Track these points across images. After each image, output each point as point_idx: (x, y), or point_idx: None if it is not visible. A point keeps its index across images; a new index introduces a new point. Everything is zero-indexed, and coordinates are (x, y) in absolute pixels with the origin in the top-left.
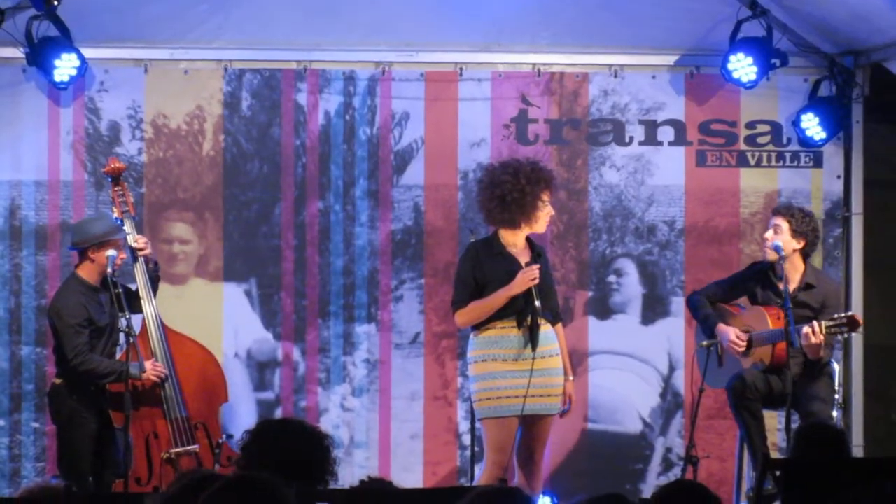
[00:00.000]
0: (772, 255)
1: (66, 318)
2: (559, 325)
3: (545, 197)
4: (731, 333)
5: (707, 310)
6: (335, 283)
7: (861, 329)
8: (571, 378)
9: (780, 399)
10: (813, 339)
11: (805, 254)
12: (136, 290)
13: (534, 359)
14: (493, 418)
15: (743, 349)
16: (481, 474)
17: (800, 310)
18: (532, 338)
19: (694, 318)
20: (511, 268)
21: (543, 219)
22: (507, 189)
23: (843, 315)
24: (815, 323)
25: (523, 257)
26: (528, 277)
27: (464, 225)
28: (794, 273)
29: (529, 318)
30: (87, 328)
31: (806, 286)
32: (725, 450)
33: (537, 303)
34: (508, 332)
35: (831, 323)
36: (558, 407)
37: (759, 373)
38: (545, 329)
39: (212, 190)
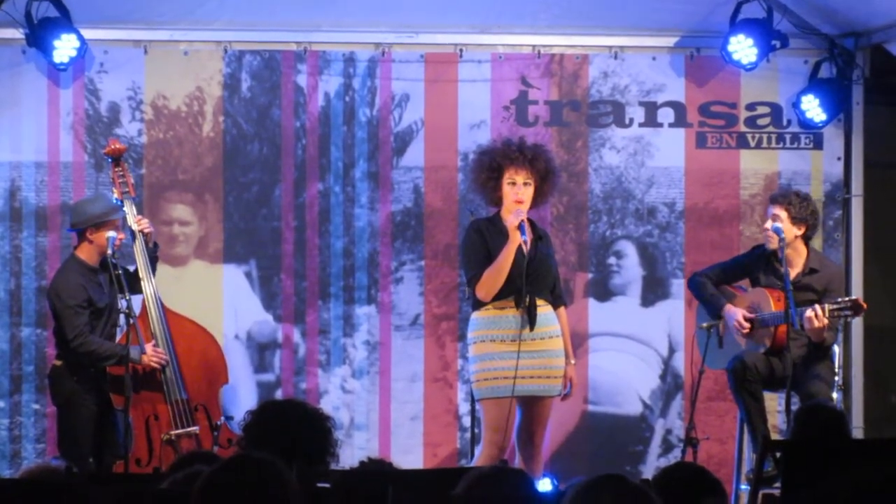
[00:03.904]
0: (773, 241)
1: (65, 299)
2: (562, 309)
3: (510, 177)
4: (739, 314)
5: (711, 289)
6: (335, 265)
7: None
8: (573, 361)
9: (781, 381)
10: (816, 323)
11: (807, 238)
12: (136, 271)
13: (530, 339)
14: (490, 399)
15: (746, 331)
16: (479, 454)
17: (804, 293)
18: (530, 318)
19: (697, 298)
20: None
21: (509, 198)
22: (474, 170)
23: (847, 298)
24: (817, 306)
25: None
26: (516, 215)
27: (464, 207)
28: (798, 258)
29: (527, 299)
30: (87, 309)
31: (810, 270)
32: (725, 431)
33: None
34: (506, 313)
35: (835, 306)
36: (558, 389)
37: (760, 354)
38: (544, 310)
39: (212, 171)
